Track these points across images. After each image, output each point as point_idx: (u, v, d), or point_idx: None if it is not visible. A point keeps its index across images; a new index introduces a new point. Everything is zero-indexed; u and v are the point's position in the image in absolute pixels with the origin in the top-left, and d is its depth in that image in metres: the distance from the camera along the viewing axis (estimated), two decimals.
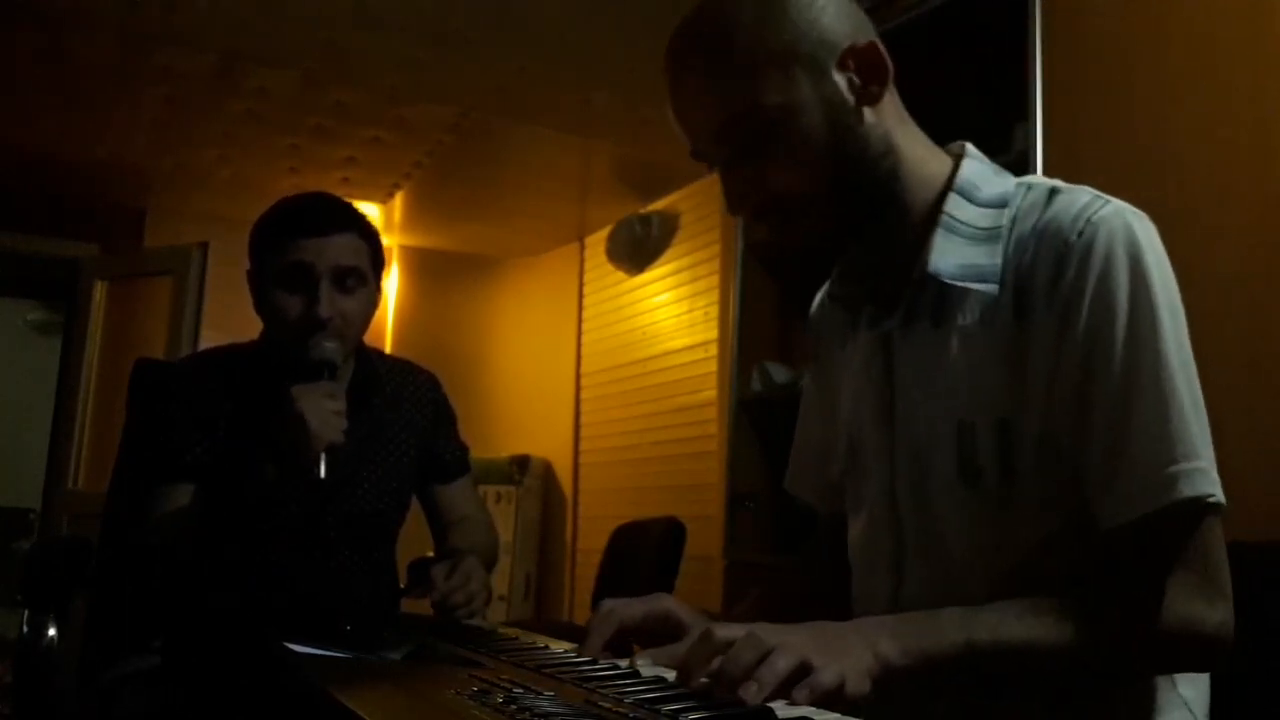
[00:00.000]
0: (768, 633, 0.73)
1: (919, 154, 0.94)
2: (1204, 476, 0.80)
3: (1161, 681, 0.88)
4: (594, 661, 0.89)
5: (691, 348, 4.21)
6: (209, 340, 3.86)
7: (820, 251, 0.96)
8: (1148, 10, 1.89)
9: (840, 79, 0.89)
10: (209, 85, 3.52)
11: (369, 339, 1.65)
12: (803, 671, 0.70)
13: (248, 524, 1.41)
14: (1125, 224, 0.85)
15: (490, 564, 1.68)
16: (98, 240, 4.74)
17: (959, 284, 0.89)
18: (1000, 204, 0.91)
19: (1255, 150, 1.69)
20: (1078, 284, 0.84)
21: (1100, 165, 1.93)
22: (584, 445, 4.97)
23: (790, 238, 0.93)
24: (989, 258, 0.89)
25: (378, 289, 1.59)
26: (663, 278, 4.47)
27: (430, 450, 1.68)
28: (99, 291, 4.53)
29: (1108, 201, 0.87)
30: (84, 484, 4.33)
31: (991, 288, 0.88)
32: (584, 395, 5.02)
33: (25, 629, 1.61)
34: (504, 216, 4.92)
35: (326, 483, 1.38)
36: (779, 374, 2.80)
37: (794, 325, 2.97)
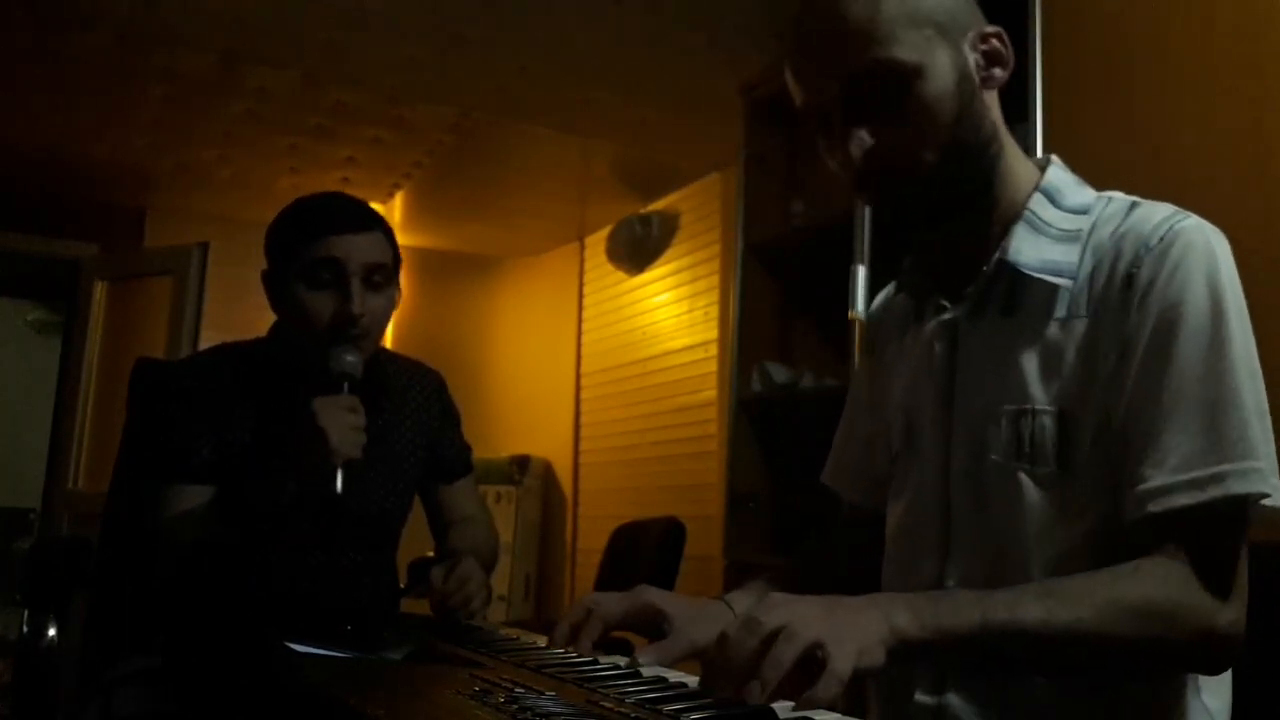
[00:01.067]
0: (775, 610, 0.73)
1: (1014, 153, 0.98)
2: (1259, 476, 0.81)
3: (1185, 690, 0.88)
4: (594, 661, 0.89)
5: (691, 348, 4.21)
6: (209, 340, 3.85)
7: (903, 229, 0.98)
8: (1147, 10, 1.89)
9: (971, 55, 0.92)
10: (209, 85, 3.52)
11: None
12: (814, 652, 0.70)
13: (258, 530, 1.41)
14: (1204, 237, 0.88)
15: (490, 565, 1.68)
16: (98, 240, 4.73)
17: (1037, 275, 0.91)
18: (1083, 210, 0.95)
19: (1255, 150, 1.69)
20: (1153, 286, 0.86)
21: (1100, 165, 1.92)
22: (584, 445, 4.97)
23: (889, 205, 0.95)
24: (1067, 256, 0.91)
25: (399, 289, 1.58)
26: (663, 278, 4.47)
27: (435, 450, 1.68)
28: (99, 291, 4.53)
29: (1188, 216, 0.90)
30: (84, 484, 4.33)
31: (1067, 282, 0.91)
32: (584, 395, 5.02)
33: (25, 629, 1.61)
34: (504, 216, 4.92)
35: (341, 496, 1.37)
36: (779, 374, 2.80)
37: (794, 325, 2.97)
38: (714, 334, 4.01)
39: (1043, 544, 0.88)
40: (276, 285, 1.50)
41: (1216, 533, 0.82)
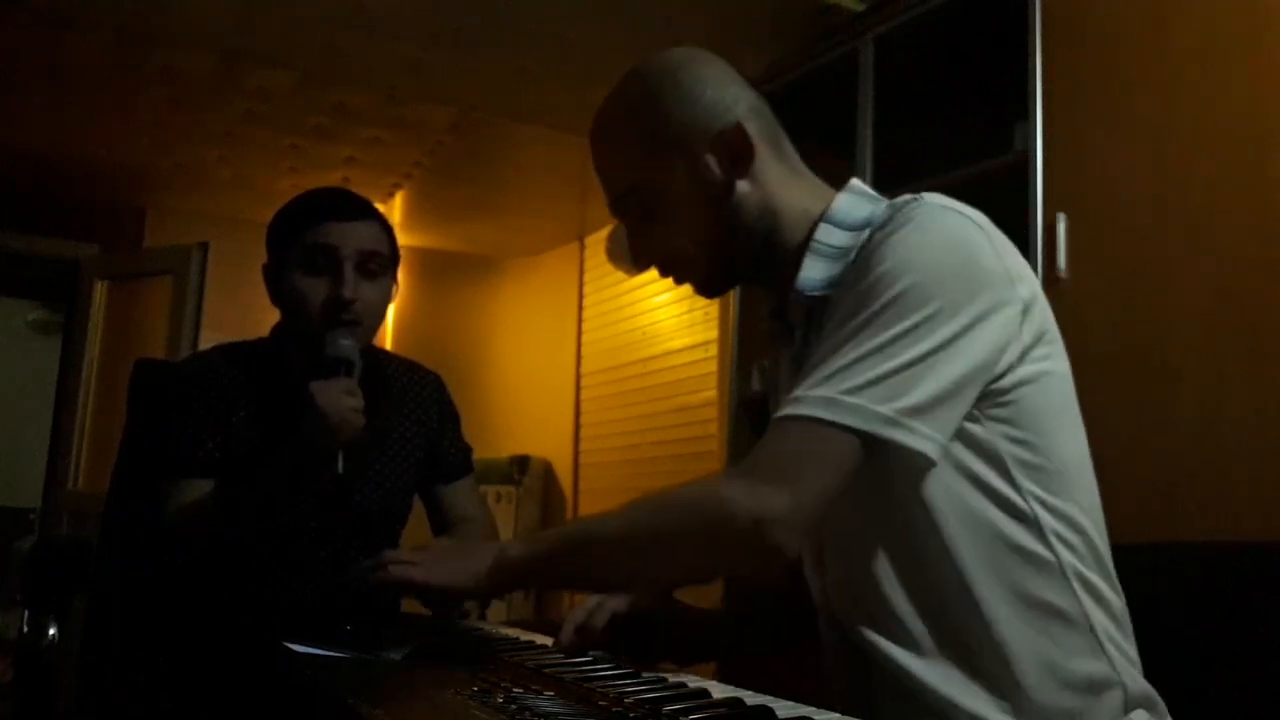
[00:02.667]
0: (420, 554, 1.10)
1: (803, 205, 1.03)
2: (816, 402, 0.84)
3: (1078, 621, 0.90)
4: (594, 661, 0.90)
5: (691, 348, 4.21)
6: (209, 340, 3.85)
7: (723, 291, 1.11)
8: (1148, 10, 1.89)
9: (711, 159, 1.02)
10: (209, 85, 3.52)
11: None
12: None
13: (264, 520, 1.42)
14: (926, 213, 0.91)
15: None
16: (98, 240, 4.73)
17: (819, 294, 0.97)
18: (863, 226, 0.99)
19: (1254, 150, 1.69)
20: (867, 261, 0.91)
21: (1100, 165, 1.93)
22: (584, 445, 4.97)
23: (689, 284, 1.08)
24: (844, 269, 0.96)
25: (395, 282, 1.60)
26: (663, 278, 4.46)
27: (434, 450, 1.68)
28: (99, 291, 4.53)
29: (924, 198, 0.94)
30: (84, 484, 4.33)
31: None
32: (584, 395, 5.02)
33: (25, 629, 1.61)
34: (504, 216, 4.92)
35: (345, 478, 1.40)
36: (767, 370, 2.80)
37: None
38: (714, 334, 4.00)
39: (875, 533, 0.93)
40: (275, 275, 1.53)
41: (768, 440, 0.87)
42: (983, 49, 2.29)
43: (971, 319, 0.86)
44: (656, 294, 4.51)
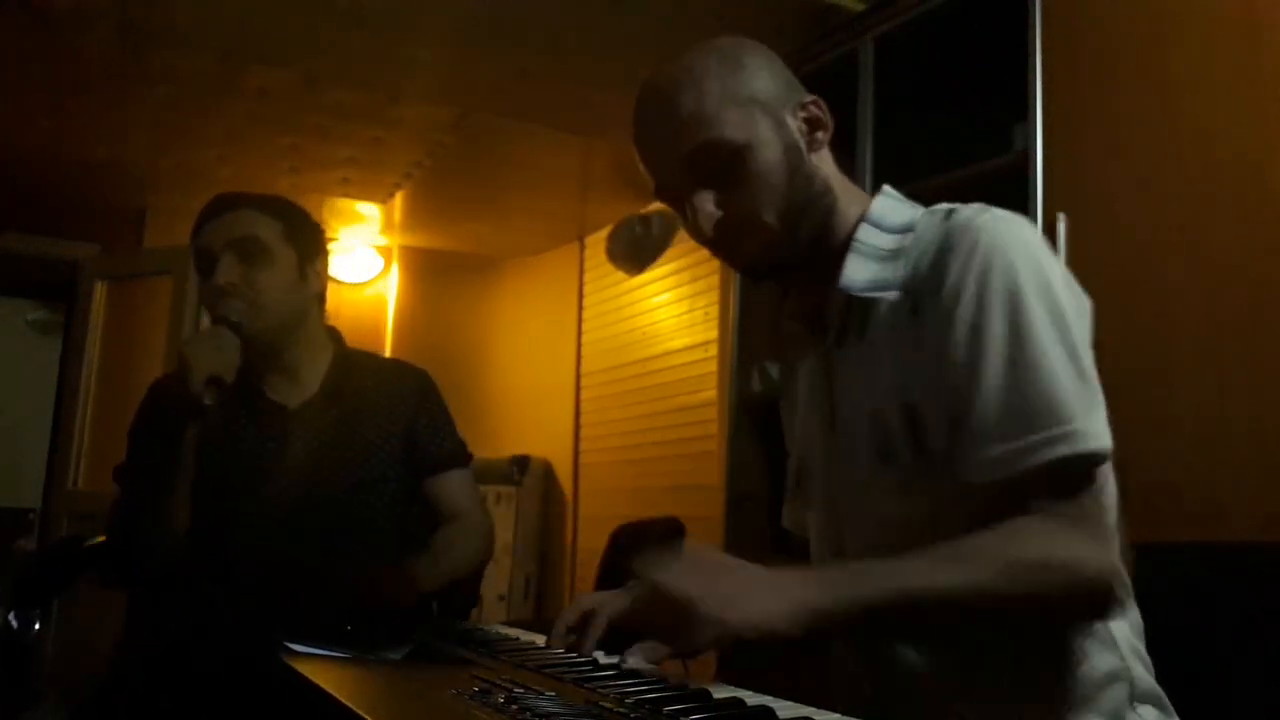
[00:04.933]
0: (685, 578, 0.80)
1: (849, 196, 1.07)
2: (1079, 436, 0.86)
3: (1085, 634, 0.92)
4: (594, 661, 0.90)
5: (691, 348, 4.20)
6: None
7: (756, 280, 1.10)
8: (1147, 10, 1.89)
9: (793, 124, 1.03)
10: (209, 85, 3.51)
11: (368, 338, 1.68)
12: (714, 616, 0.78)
13: (176, 484, 1.47)
14: (999, 225, 0.94)
15: (473, 564, 1.71)
16: (98, 240, 4.73)
17: (866, 294, 1.00)
18: (906, 229, 1.02)
19: (1254, 150, 1.69)
20: (959, 275, 0.93)
21: (1100, 165, 1.93)
22: (584, 445, 4.97)
23: (741, 263, 1.06)
24: (892, 272, 1.00)
25: (304, 264, 1.61)
26: (663, 278, 4.46)
27: (413, 441, 1.69)
28: (99, 291, 4.52)
29: (988, 210, 0.97)
30: (84, 484, 4.32)
31: (894, 295, 0.99)
32: (584, 395, 5.02)
33: (13, 623, 1.62)
34: (504, 216, 4.92)
35: (296, 444, 1.50)
36: (779, 374, 2.80)
37: None
38: (714, 334, 4.00)
39: (920, 535, 0.91)
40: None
41: (1063, 490, 0.86)
42: (983, 49, 2.29)
43: (1085, 321, 0.94)
44: (656, 294, 4.51)
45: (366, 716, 0.63)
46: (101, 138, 4.06)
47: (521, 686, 0.74)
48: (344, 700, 0.68)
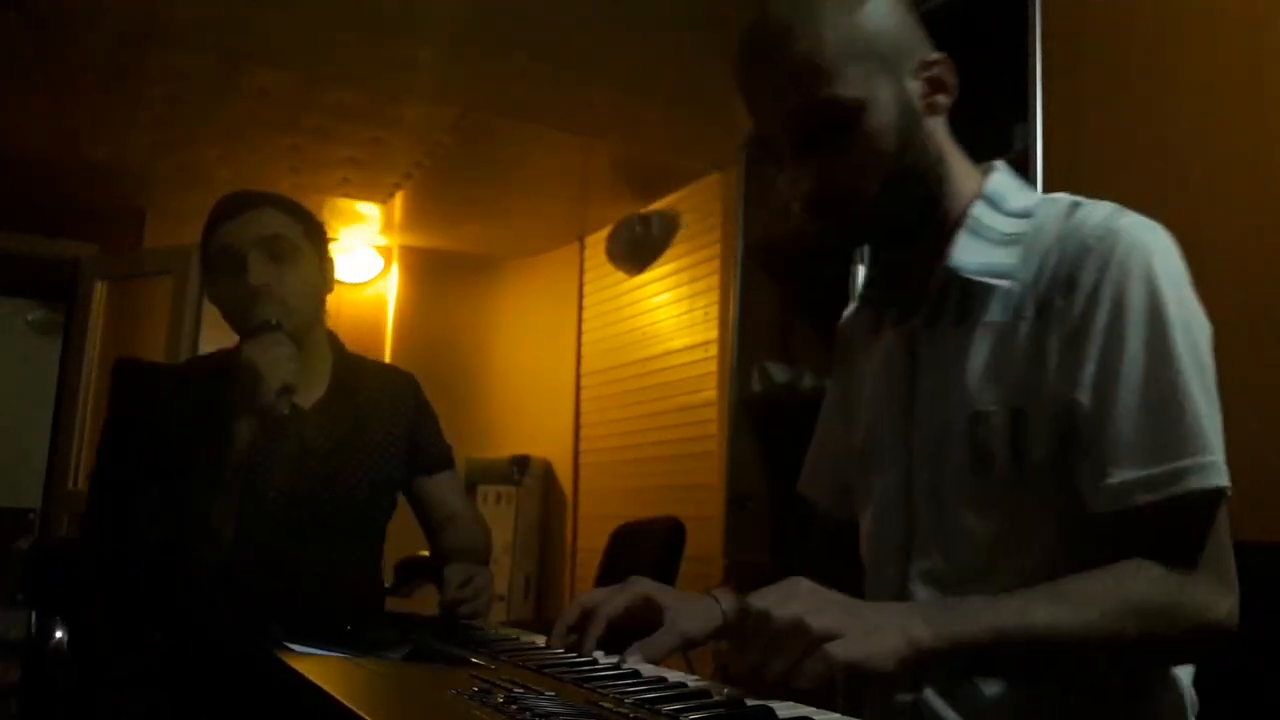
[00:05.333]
0: (792, 601, 0.74)
1: (962, 169, 0.99)
2: (1214, 470, 0.82)
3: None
4: (594, 661, 0.90)
5: (691, 348, 4.20)
6: (209, 340, 3.86)
7: (835, 254, 1.01)
8: (1147, 10, 1.89)
9: (912, 85, 0.94)
10: (209, 85, 3.52)
11: (368, 338, 1.68)
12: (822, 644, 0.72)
13: (233, 486, 1.44)
14: (1142, 234, 0.89)
15: (486, 561, 1.72)
16: (98, 240, 4.73)
17: (978, 279, 0.92)
18: (1025, 214, 0.95)
19: (1254, 150, 1.69)
20: (1096, 284, 0.87)
21: (1100, 165, 1.92)
22: (584, 445, 4.97)
23: (833, 231, 0.98)
24: (1009, 258, 0.93)
25: (322, 264, 1.61)
26: (663, 278, 4.46)
27: (413, 442, 1.71)
28: (99, 291, 4.52)
29: (1127, 214, 0.91)
30: (84, 484, 4.32)
31: (1008, 283, 0.92)
32: (584, 395, 5.02)
33: (33, 631, 1.61)
34: (504, 216, 4.92)
35: (311, 444, 1.45)
36: (779, 374, 2.80)
37: (794, 325, 2.97)
38: (714, 334, 4.00)
39: (1005, 549, 0.90)
40: (208, 291, 1.58)
41: (1190, 527, 0.83)
42: (983, 49, 2.29)
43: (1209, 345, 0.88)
44: (656, 294, 4.51)
45: (366, 717, 0.63)
46: (101, 138, 4.06)
47: (521, 686, 0.74)
48: (344, 700, 0.68)
